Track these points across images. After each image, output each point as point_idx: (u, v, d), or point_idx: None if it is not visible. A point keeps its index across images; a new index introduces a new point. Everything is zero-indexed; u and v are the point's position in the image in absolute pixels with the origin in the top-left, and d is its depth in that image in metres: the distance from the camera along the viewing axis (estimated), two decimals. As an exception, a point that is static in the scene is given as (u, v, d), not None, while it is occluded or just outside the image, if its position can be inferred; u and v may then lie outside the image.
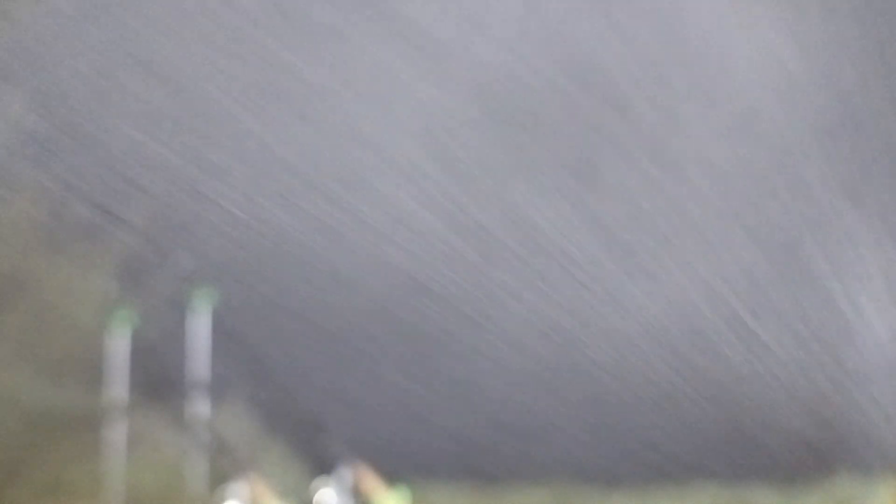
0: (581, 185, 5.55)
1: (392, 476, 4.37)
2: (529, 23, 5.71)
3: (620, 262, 5.80)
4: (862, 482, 5.27)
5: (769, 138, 5.69)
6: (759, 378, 5.83)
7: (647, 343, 6.00)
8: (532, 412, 5.58)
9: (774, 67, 5.62)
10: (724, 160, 5.75)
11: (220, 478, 5.03)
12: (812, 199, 5.71)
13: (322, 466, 4.31)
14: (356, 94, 5.61)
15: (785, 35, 5.59)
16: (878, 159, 5.73)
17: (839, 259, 5.83)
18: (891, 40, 5.63)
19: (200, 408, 5.11)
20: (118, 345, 5.18)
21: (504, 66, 5.58)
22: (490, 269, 5.62)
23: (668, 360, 5.91)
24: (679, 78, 5.69)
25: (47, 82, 5.61)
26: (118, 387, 5.16)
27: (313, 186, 5.41)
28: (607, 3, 5.66)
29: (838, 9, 5.62)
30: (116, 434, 5.17)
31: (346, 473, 4.18)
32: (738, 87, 5.70)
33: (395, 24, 5.54)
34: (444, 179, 5.67)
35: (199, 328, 5.14)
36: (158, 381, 4.90)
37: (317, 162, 5.43)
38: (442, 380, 5.36)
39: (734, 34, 5.66)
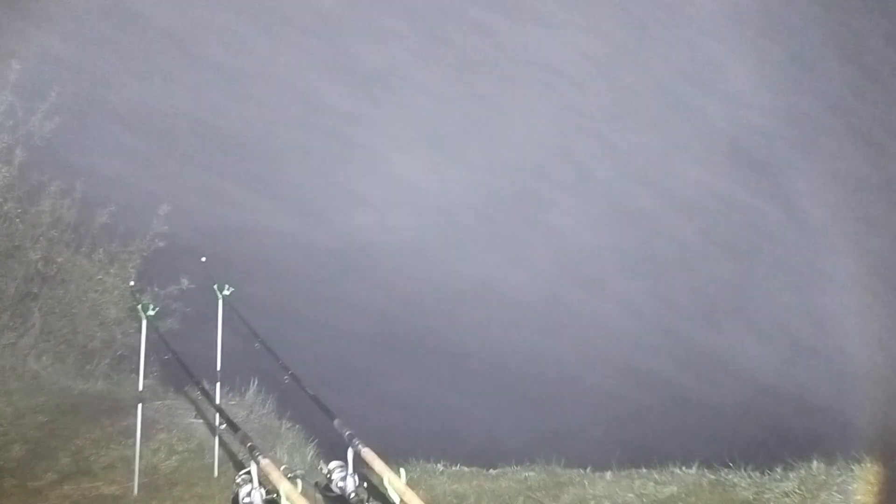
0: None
1: (396, 458, 4.55)
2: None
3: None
4: (836, 467, 5.30)
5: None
6: (736, 366, 6.01)
7: (628, 333, 6.20)
8: (526, 399, 5.75)
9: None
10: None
11: (234, 461, 5.24)
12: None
13: (332, 448, 4.44)
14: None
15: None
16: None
17: (813, 256, 6.02)
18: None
19: (216, 394, 5.23)
20: (139, 335, 5.28)
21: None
22: (486, 253, 5.74)
23: (649, 351, 6.10)
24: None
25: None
26: (139, 374, 5.26)
27: (320, 188, 5.54)
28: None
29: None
30: (137, 418, 5.25)
31: (356, 456, 4.37)
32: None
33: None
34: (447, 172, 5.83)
35: (215, 318, 5.24)
36: (177, 368, 5.05)
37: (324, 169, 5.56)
38: (439, 370, 5.51)
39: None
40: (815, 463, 5.34)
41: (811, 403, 5.90)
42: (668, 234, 6.02)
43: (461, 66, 5.91)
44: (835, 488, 5.17)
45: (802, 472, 5.29)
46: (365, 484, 4.10)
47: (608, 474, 5.49)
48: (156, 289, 6.27)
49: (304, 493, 3.37)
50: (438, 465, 5.59)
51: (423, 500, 3.37)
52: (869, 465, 5.24)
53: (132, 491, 5.21)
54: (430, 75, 5.97)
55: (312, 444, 5.73)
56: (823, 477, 5.26)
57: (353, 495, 3.84)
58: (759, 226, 6.01)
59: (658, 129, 6.12)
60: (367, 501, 3.98)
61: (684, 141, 6.01)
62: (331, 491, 3.94)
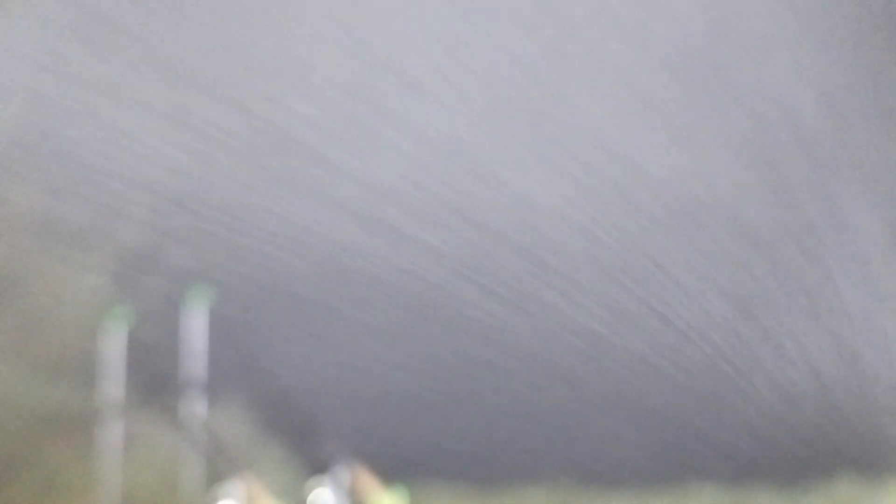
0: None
1: (389, 476, 4.34)
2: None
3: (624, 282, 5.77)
4: (865, 484, 5.23)
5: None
6: (761, 380, 5.81)
7: (645, 348, 5.98)
8: (532, 414, 5.56)
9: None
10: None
11: (215, 477, 5.01)
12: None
13: (318, 466, 4.28)
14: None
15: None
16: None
17: (844, 262, 5.81)
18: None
19: (196, 407, 5.09)
20: (114, 343, 5.15)
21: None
22: (491, 268, 5.59)
23: (666, 364, 5.89)
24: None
25: (41, 81, 5.59)
26: (113, 386, 5.12)
27: (310, 183, 5.40)
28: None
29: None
30: (112, 433, 5.14)
31: (343, 473, 4.14)
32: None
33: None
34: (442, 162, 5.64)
35: (195, 327, 5.11)
36: (154, 379, 4.85)
37: (309, 154, 5.40)
38: (440, 382, 5.33)
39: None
40: (843, 479, 5.23)
41: (839, 417, 5.71)
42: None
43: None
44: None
45: (830, 488, 5.20)
46: None
47: (623, 493, 5.32)
48: (134, 293, 6.09)
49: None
50: (439, 483, 5.39)
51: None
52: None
53: None
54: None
55: (298, 459, 5.54)
56: (853, 493, 5.20)
57: None
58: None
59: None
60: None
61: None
62: None
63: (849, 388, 5.71)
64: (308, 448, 4.66)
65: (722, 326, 5.76)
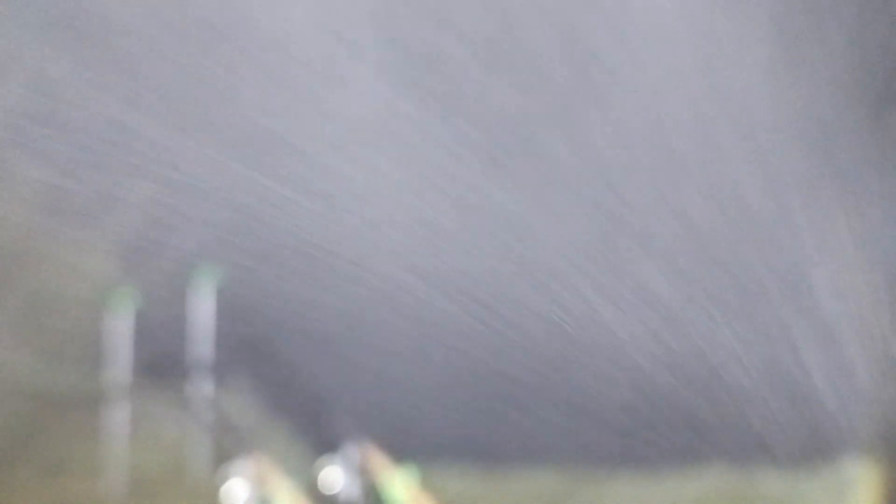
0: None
1: (399, 455, 4.34)
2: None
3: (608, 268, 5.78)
4: (868, 464, 5.20)
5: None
6: (761, 361, 5.83)
7: (650, 328, 5.99)
8: (538, 395, 5.56)
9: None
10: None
11: (223, 457, 5.01)
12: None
13: (327, 445, 4.28)
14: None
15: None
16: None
17: (830, 244, 5.82)
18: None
19: (204, 387, 5.07)
20: (120, 324, 5.13)
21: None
22: (502, 250, 5.58)
23: (671, 343, 5.90)
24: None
25: (45, 60, 5.56)
26: (120, 366, 5.11)
27: (316, 163, 5.38)
28: None
29: None
30: (119, 413, 5.12)
31: (353, 452, 4.14)
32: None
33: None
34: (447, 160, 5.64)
35: (202, 306, 5.09)
36: (161, 359, 4.85)
37: (321, 139, 5.39)
38: (449, 360, 5.34)
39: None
40: (847, 460, 5.21)
41: (839, 398, 5.74)
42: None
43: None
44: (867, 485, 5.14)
45: (834, 470, 5.18)
46: (364, 485, 3.85)
47: (628, 474, 5.33)
48: (141, 273, 6.07)
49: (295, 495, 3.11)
50: (447, 463, 5.39)
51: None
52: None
53: (119, 490, 5.04)
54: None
55: (308, 438, 5.53)
56: (857, 474, 5.18)
57: (348, 498, 3.60)
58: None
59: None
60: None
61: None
62: (324, 493, 3.71)
63: (846, 372, 5.74)
64: (318, 427, 4.66)
65: (721, 312, 5.78)
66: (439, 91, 5.66)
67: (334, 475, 4.06)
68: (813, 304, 5.85)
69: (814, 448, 5.41)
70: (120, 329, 5.15)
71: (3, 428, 5.51)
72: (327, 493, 4.01)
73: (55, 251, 5.90)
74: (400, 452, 4.42)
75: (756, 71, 5.58)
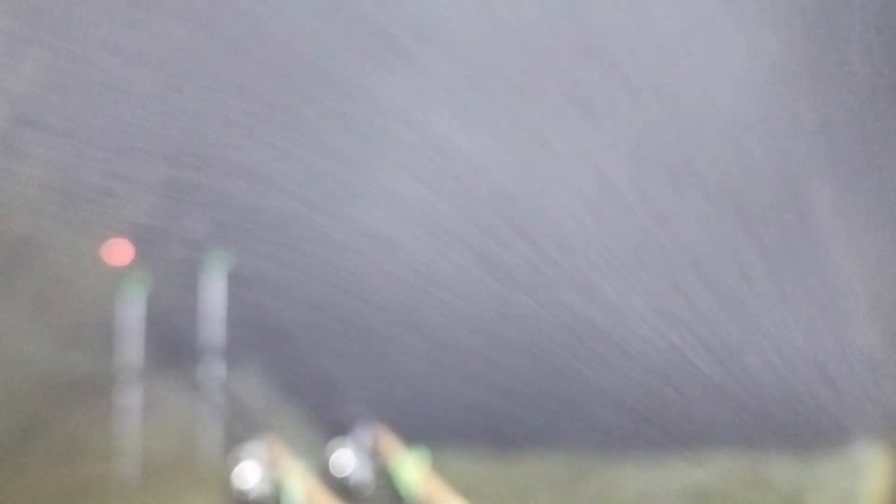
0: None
1: (411, 438, 4.35)
2: None
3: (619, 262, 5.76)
4: (880, 448, 5.20)
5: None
6: (771, 345, 5.81)
7: (660, 312, 5.97)
8: (549, 378, 5.56)
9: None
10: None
11: (235, 439, 5.02)
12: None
13: (339, 427, 4.28)
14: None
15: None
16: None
17: (844, 229, 5.80)
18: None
19: (215, 370, 5.08)
20: (132, 308, 5.14)
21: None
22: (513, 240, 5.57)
23: (679, 328, 5.88)
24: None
25: (60, 41, 5.55)
26: (132, 350, 5.12)
27: (329, 148, 5.38)
28: None
29: None
30: (131, 398, 5.13)
31: (364, 434, 4.15)
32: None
33: None
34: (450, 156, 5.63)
35: (214, 291, 5.10)
36: (172, 343, 4.86)
37: (335, 125, 5.39)
38: (461, 344, 5.34)
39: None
40: (858, 444, 5.20)
41: (852, 381, 5.71)
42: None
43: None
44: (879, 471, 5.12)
45: (845, 454, 5.18)
46: (375, 467, 3.85)
47: (637, 459, 5.32)
48: (152, 258, 6.07)
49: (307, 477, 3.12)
50: (458, 447, 5.38)
51: (443, 488, 3.17)
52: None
53: (132, 474, 5.05)
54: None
55: (319, 421, 5.54)
56: (869, 458, 5.19)
57: (360, 480, 3.60)
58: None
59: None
60: (377, 487, 3.75)
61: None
62: (336, 475, 3.71)
63: (859, 354, 5.71)
64: (329, 410, 4.67)
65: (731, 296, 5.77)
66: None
67: (346, 458, 4.07)
68: (825, 289, 5.84)
69: (824, 433, 5.41)
70: (132, 314, 5.14)
71: (17, 413, 5.53)
72: (339, 475, 4.01)
73: (66, 237, 5.92)
74: (411, 435, 4.42)
75: (773, 67, 5.58)
